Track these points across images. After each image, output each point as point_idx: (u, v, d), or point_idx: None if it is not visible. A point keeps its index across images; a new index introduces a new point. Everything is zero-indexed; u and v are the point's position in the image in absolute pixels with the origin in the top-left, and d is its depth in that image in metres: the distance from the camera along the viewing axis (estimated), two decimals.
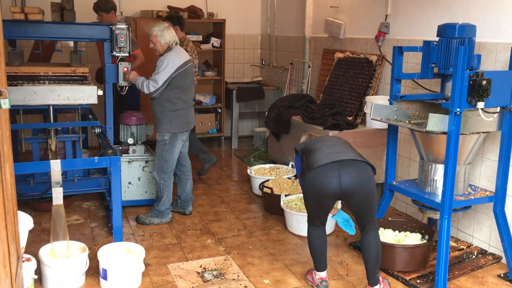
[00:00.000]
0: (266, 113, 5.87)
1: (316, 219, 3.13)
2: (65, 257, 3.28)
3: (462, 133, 3.13)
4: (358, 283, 3.35)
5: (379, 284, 3.13)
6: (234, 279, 3.37)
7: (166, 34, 4.07)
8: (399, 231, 3.72)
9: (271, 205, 4.54)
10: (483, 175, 3.74)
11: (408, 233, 3.69)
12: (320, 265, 3.21)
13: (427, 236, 3.61)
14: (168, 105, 4.09)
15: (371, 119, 3.56)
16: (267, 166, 5.40)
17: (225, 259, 3.65)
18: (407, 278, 3.33)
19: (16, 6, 4.07)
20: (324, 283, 3.22)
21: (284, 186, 4.72)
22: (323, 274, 3.23)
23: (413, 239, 3.60)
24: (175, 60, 4.05)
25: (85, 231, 4.08)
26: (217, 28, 6.95)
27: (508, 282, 3.37)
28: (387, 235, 3.64)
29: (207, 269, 3.50)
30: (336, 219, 3.36)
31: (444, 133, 3.11)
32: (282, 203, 4.23)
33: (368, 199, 2.98)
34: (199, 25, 6.97)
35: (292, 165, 5.25)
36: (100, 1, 5.18)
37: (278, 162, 5.66)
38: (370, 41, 4.99)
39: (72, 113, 4.56)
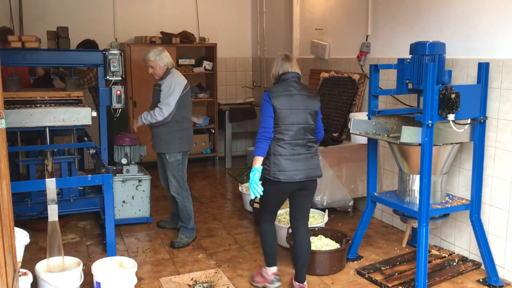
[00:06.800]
0: None
1: (272, 212, 3.43)
2: (60, 271, 3.41)
3: (435, 144, 3.31)
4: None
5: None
6: None
7: (164, 57, 4.20)
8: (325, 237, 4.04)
9: None
10: (461, 184, 3.90)
11: (328, 239, 3.99)
12: (273, 259, 3.45)
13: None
14: (175, 125, 4.18)
15: (351, 133, 3.74)
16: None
17: (216, 272, 3.78)
18: (390, 285, 3.46)
19: (14, 35, 4.28)
20: (277, 277, 3.45)
21: None
22: (275, 269, 3.46)
23: (328, 245, 3.90)
24: (179, 80, 4.21)
25: (81, 249, 4.22)
26: (209, 51, 7.19)
27: (486, 287, 3.50)
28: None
29: (198, 282, 3.63)
30: (253, 173, 3.19)
31: (418, 144, 3.29)
32: None
33: (313, 196, 3.38)
34: (192, 49, 7.22)
35: None
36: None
37: None
38: (353, 61, 5.20)
39: (68, 136, 4.74)
